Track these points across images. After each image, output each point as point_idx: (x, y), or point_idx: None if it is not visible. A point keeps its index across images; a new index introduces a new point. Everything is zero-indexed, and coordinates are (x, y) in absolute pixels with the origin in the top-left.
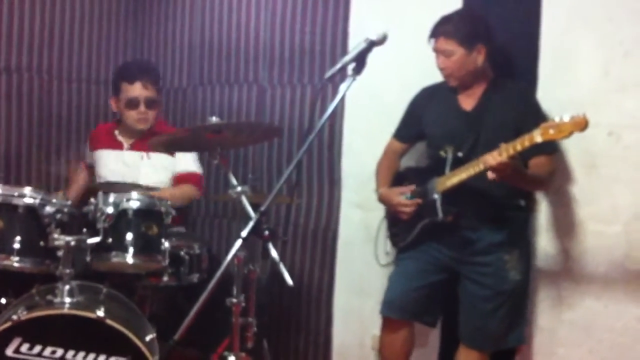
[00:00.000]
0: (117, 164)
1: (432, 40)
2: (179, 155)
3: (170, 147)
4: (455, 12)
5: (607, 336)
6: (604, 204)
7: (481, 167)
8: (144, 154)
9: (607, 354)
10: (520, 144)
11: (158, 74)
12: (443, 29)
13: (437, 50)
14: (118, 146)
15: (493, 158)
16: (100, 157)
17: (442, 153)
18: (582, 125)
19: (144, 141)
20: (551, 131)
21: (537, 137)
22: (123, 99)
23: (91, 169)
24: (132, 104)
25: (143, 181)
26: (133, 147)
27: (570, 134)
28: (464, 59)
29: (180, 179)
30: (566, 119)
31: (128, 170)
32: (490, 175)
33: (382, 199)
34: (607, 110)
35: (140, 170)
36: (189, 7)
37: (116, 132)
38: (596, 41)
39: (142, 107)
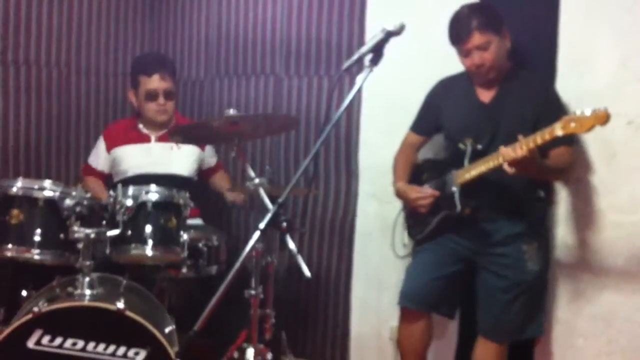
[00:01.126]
0: (144, 156)
1: (462, 42)
2: (207, 149)
3: (189, 139)
4: (465, 7)
5: (627, 327)
6: (623, 194)
7: (500, 160)
8: (173, 145)
9: (626, 345)
10: (540, 137)
11: (174, 65)
12: (471, 25)
13: (470, 49)
14: (145, 139)
15: (513, 151)
16: (124, 152)
17: (461, 146)
18: (603, 119)
19: None
20: (572, 125)
21: (558, 130)
22: (142, 92)
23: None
24: (151, 96)
25: (175, 171)
26: (161, 139)
27: (592, 127)
28: (500, 46)
29: (215, 170)
30: (587, 112)
31: (157, 162)
32: (508, 169)
33: (399, 194)
34: (626, 100)
35: (172, 161)
36: None
37: (140, 125)
38: (614, 32)
39: (161, 99)
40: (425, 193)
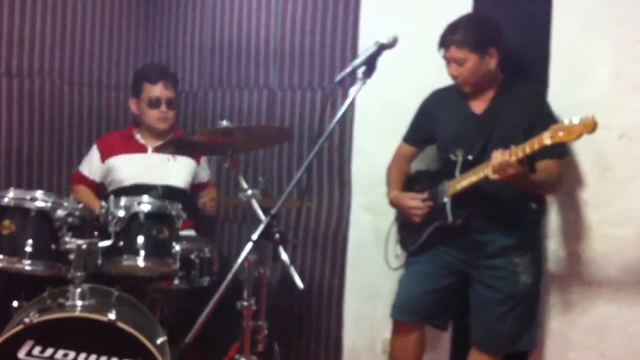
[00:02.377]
0: (141, 166)
1: (442, 50)
2: (202, 164)
3: (182, 151)
4: (463, 18)
5: (620, 340)
6: (616, 207)
7: (491, 169)
8: (169, 156)
9: (619, 357)
10: (529, 147)
11: (177, 77)
12: (453, 37)
13: (448, 59)
14: (141, 149)
15: (501, 155)
16: (120, 162)
17: (452, 156)
18: (591, 127)
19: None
20: (560, 133)
21: (547, 139)
22: (145, 99)
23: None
24: (154, 103)
25: (171, 183)
26: (157, 150)
27: (579, 136)
28: (477, 65)
29: (205, 186)
30: (575, 121)
31: (154, 173)
32: (492, 176)
33: (393, 203)
34: (619, 112)
35: (168, 172)
36: (199, 11)
37: (138, 135)
38: (608, 43)
39: (163, 107)
40: (419, 202)
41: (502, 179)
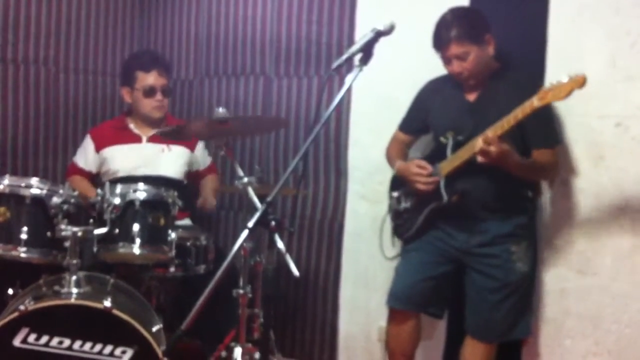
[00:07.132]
0: (135, 156)
1: (440, 50)
2: (198, 151)
3: (177, 138)
4: (448, 14)
5: (614, 328)
6: (611, 195)
7: (481, 143)
8: (164, 146)
9: (613, 345)
10: (521, 111)
11: (169, 63)
12: (450, 34)
13: (449, 57)
14: (136, 139)
15: (501, 128)
16: (115, 152)
17: (442, 139)
18: (580, 82)
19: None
20: (550, 94)
21: (536, 101)
22: (139, 88)
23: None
24: (149, 92)
25: (164, 173)
26: (152, 140)
27: (569, 93)
28: (480, 55)
29: (205, 173)
30: (564, 79)
31: (148, 162)
32: (480, 158)
33: (399, 171)
34: (615, 101)
35: (161, 162)
36: None
37: (131, 125)
38: (603, 32)
39: (159, 95)
40: (426, 169)
41: (488, 161)
